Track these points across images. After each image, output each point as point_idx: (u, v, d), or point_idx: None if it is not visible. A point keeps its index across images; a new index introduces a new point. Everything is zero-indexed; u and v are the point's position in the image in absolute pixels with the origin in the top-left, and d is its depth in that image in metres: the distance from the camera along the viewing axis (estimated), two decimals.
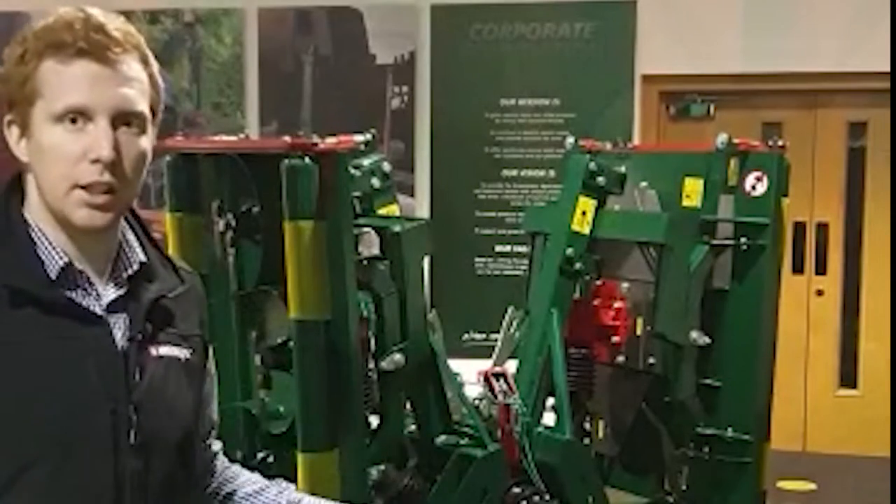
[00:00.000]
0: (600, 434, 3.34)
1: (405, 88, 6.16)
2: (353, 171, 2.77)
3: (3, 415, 1.36)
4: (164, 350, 1.52)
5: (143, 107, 1.45)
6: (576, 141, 3.40)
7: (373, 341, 2.66)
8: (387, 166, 2.97)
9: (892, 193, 5.80)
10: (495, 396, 2.90)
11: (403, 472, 2.84)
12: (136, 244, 1.55)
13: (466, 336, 5.89)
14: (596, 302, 3.21)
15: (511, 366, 3.11)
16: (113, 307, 1.48)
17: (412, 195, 6.09)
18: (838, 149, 6.12)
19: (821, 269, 6.18)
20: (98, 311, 1.46)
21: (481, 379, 2.95)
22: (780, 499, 5.06)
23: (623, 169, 3.28)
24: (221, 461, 1.78)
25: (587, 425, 3.37)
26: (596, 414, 3.34)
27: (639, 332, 3.17)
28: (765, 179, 3.14)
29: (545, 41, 6.02)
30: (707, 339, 3.16)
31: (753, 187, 3.16)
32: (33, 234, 1.44)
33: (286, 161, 2.34)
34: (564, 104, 6.02)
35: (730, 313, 3.19)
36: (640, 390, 3.19)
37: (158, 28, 6.31)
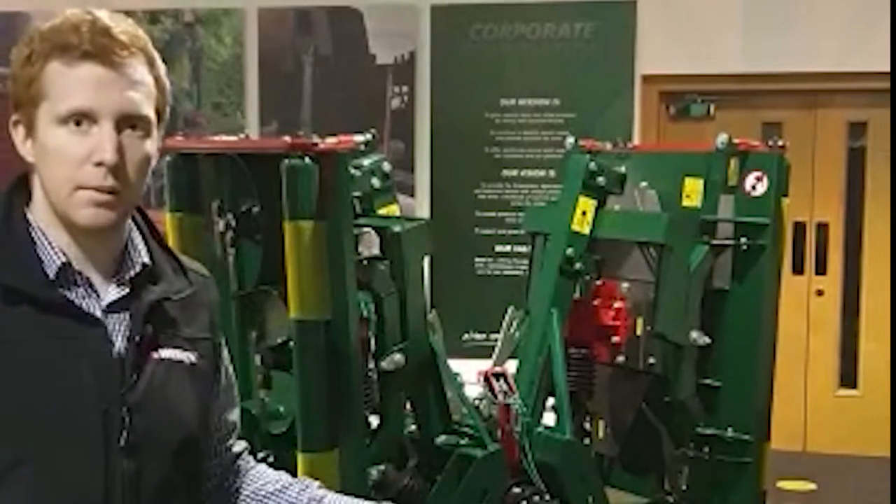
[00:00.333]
0: (600, 434, 3.34)
1: (405, 88, 6.16)
2: (353, 171, 2.77)
3: None
4: (167, 353, 1.51)
5: (149, 110, 1.45)
6: (576, 141, 3.40)
7: (373, 341, 2.66)
8: (387, 166, 2.97)
9: (892, 193, 5.80)
10: (495, 396, 2.90)
11: (403, 472, 2.84)
12: (141, 245, 1.54)
13: (466, 336, 5.89)
14: (596, 302, 3.21)
15: (511, 366, 3.11)
16: (114, 308, 1.48)
17: (412, 195, 6.09)
18: (838, 149, 6.12)
19: (821, 269, 6.18)
20: (97, 312, 1.46)
21: (481, 379, 2.95)
22: (780, 499, 5.06)
23: (623, 169, 3.28)
24: (246, 460, 1.77)
25: (587, 425, 3.37)
26: (596, 414, 3.34)
27: (639, 332, 3.17)
28: (765, 179, 3.14)
29: (545, 41, 6.02)
30: (707, 339, 3.16)
31: (753, 187, 3.16)
32: (34, 234, 1.44)
33: (286, 161, 2.34)
34: (564, 104, 6.02)
35: (730, 313, 3.19)
36: (640, 390, 3.19)
37: (158, 28, 6.31)
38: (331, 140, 2.59)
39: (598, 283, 3.25)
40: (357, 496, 2.46)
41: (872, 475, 5.44)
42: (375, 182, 2.93)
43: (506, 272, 6.06)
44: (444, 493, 2.77)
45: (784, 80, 5.85)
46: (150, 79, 1.46)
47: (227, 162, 2.65)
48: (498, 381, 2.93)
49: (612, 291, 3.21)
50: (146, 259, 1.53)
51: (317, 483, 1.77)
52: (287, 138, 2.41)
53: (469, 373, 2.97)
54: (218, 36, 6.36)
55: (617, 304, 3.19)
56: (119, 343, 1.46)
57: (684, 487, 3.28)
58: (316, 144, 2.40)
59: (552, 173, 5.85)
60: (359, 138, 2.94)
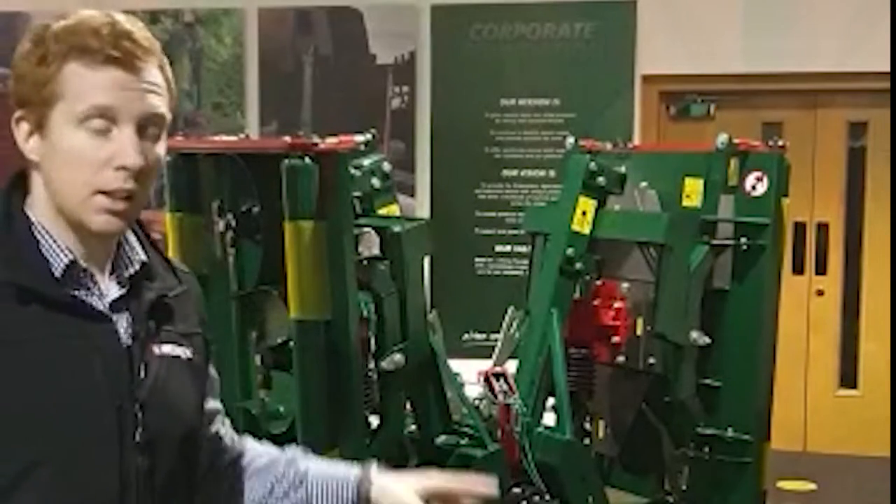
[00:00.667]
0: (600, 434, 3.34)
1: (405, 88, 6.16)
2: (353, 171, 2.77)
3: (11, 413, 1.36)
4: (167, 349, 1.52)
5: (166, 112, 1.46)
6: (576, 141, 3.41)
7: (373, 341, 2.66)
8: (387, 166, 2.97)
9: (892, 193, 5.79)
10: (495, 396, 2.91)
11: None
12: (136, 243, 1.54)
13: (466, 336, 5.89)
14: (596, 302, 3.21)
15: (511, 366, 3.11)
16: (115, 306, 1.48)
17: (412, 195, 6.08)
18: (838, 149, 6.12)
19: (821, 269, 6.18)
20: (102, 308, 1.46)
21: (481, 379, 2.95)
22: (780, 499, 5.06)
23: (623, 169, 3.28)
24: (231, 437, 1.77)
25: (587, 425, 3.37)
26: (596, 414, 3.34)
27: (639, 332, 3.17)
28: (765, 179, 3.14)
29: (545, 41, 6.02)
30: (707, 339, 3.16)
31: (753, 187, 3.16)
32: (36, 232, 1.44)
33: (286, 161, 2.34)
34: (564, 104, 6.02)
35: (730, 313, 3.19)
36: (640, 390, 3.20)
37: (158, 28, 6.30)
38: (331, 140, 2.59)
39: (598, 283, 3.25)
40: None
41: (872, 475, 5.43)
42: (375, 182, 2.93)
43: (506, 272, 6.06)
44: None
45: (784, 80, 5.85)
46: (164, 82, 1.47)
47: (227, 162, 2.65)
48: (498, 381, 2.94)
49: (612, 291, 3.21)
50: (144, 257, 1.54)
51: (300, 454, 1.76)
52: (287, 138, 2.41)
53: (469, 373, 2.98)
54: (218, 36, 6.36)
55: (617, 304, 3.19)
56: (125, 340, 1.46)
57: (684, 487, 3.28)
58: (316, 144, 2.40)
59: (552, 173, 5.85)
60: (359, 138, 2.94)
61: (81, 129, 1.40)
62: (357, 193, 2.82)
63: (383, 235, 2.68)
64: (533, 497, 2.86)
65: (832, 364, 6.24)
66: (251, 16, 6.30)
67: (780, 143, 3.22)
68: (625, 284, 3.19)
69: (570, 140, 3.42)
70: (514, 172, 6.10)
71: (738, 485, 3.22)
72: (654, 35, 5.87)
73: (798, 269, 6.11)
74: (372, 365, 2.66)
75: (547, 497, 2.88)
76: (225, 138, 2.76)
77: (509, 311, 3.21)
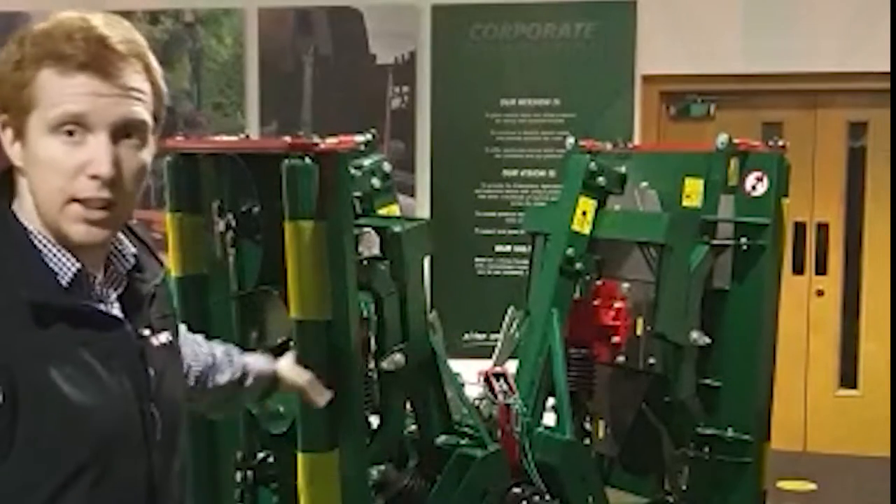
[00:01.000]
0: (600, 434, 3.34)
1: (405, 88, 6.16)
2: (353, 171, 2.77)
3: (52, 427, 1.36)
4: (161, 338, 1.54)
5: (146, 117, 1.42)
6: (576, 141, 3.41)
7: (373, 341, 2.66)
8: (387, 166, 2.97)
9: (892, 193, 5.80)
10: (495, 397, 2.90)
11: (404, 472, 2.84)
12: (123, 237, 1.53)
13: (467, 336, 5.89)
14: (596, 302, 3.21)
15: (511, 366, 3.11)
16: (116, 305, 1.48)
17: (412, 195, 6.08)
18: (838, 149, 6.12)
19: (821, 269, 6.18)
20: (115, 312, 1.46)
21: (481, 379, 2.95)
22: (780, 499, 5.06)
23: (623, 169, 3.28)
24: (207, 355, 1.96)
25: (587, 425, 3.37)
26: (596, 414, 3.34)
27: (639, 332, 3.16)
28: (765, 179, 3.14)
29: (545, 41, 6.02)
30: (707, 339, 3.16)
31: (754, 187, 3.16)
32: (37, 243, 1.42)
33: (286, 161, 2.34)
34: (565, 104, 6.02)
35: (730, 313, 3.19)
36: (640, 390, 3.20)
37: (158, 28, 6.31)
38: (331, 140, 2.59)
39: (599, 283, 3.25)
40: (358, 496, 2.49)
41: (872, 475, 5.44)
42: (376, 182, 2.93)
43: (506, 272, 6.06)
44: (444, 493, 2.77)
45: (784, 80, 5.85)
46: (147, 85, 1.43)
47: (227, 162, 2.65)
48: (498, 381, 2.93)
49: (612, 291, 3.21)
50: (134, 250, 1.53)
51: (235, 353, 2.04)
52: (287, 138, 2.41)
53: (469, 373, 2.97)
54: (218, 36, 6.36)
55: (617, 304, 3.19)
56: (135, 340, 1.47)
57: (684, 487, 3.28)
58: (316, 144, 2.40)
59: (552, 173, 5.85)
60: (359, 138, 2.94)
61: (55, 136, 1.37)
62: (357, 193, 2.82)
63: (383, 235, 2.67)
64: (533, 497, 2.86)
65: (832, 364, 6.24)
66: (251, 16, 6.30)
67: (780, 143, 3.22)
68: (625, 284, 3.19)
69: (571, 140, 3.42)
70: (515, 172, 6.10)
71: (738, 485, 3.22)
72: (654, 35, 5.87)
73: (798, 269, 6.11)
74: (372, 365, 2.66)
75: (547, 497, 2.88)
76: (225, 138, 2.76)
77: (509, 311, 3.21)
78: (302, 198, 2.34)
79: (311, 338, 2.40)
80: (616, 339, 3.17)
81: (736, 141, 3.15)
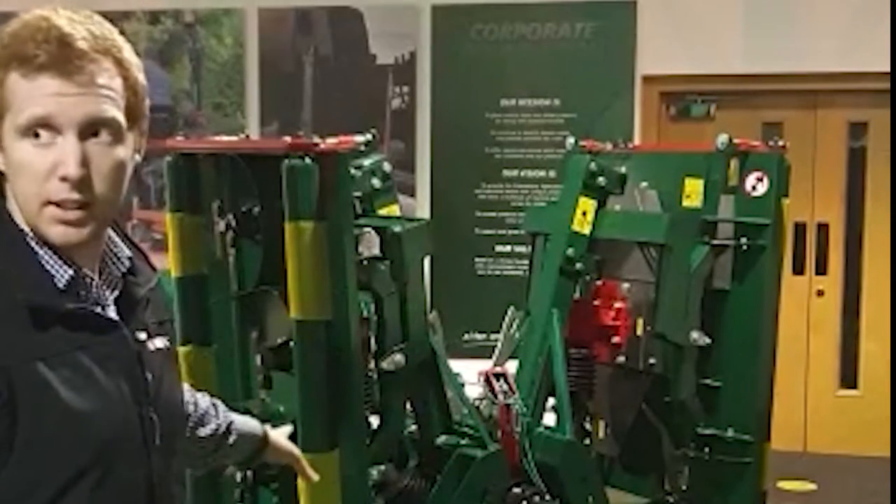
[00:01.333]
0: (601, 434, 3.34)
1: (405, 88, 6.16)
2: (353, 171, 2.77)
3: (52, 431, 1.35)
4: (157, 343, 1.53)
5: (115, 114, 1.39)
6: (576, 141, 3.41)
7: (373, 341, 2.66)
8: (387, 166, 2.97)
9: (892, 193, 5.80)
10: (496, 397, 2.90)
11: (404, 472, 2.84)
12: (118, 240, 1.53)
13: (467, 336, 5.89)
14: (596, 302, 3.21)
15: (511, 366, 3.11)
16: (112, 309, 1.48)
17: (412, 195, 6.09)
18: (839, 149, 6.12)
19: (821, 269, 6.18)
20: (111, 316, 1.45)
21: (482, 379, 2.95)
22: (780, 499, 5.06)
23: (623, 169, 3.28)
24: (188, 403, 1.86)
25: (587, 425, 3.37)
26: (596, 414, 3.34)
27: (639, 332, 3.16)
28: (765, 180, 3.14)
29: (545, 41, 6.02)
30: (707, 340, 3.16)
31: (754, 188, 3.16)
32: (33, 244, 1.41)
33: (287, 161, 2.34)
34: (565, 104, 6.02)
35: (730, 313, 3.19)
36: (640, 390, 3.19)
37: (159, 28, 6.31)
38: (331, 140, 2.59)
39: (599, 283, 3.25)
40: (358, 496, 2.49)
41: (872, 475, 5.44)
42: (376, 182, 2.93)
43: (506, 272, 6.06)
44: (444, 493, 2.77)
45: (784, 80, 5.85)
46: (118, 80, 1.40)
47: (227, 162, 2.65)
48: (498, 381, 2.93)
49: (612, 291, 3.21)
50: (129, 253, 1.53)
51: (222, 409, 1.95)
52: (287, 138, 2.41)
53: (469, 373, 2.97)
54: (218, 36, 6.36)
55: (617, 305, 3.19)
56: (132, 343, 1.47)
57: (684, 488, 3.28)
58: (316, 145, 2.40)
59: (552, 173, 5.85)
60: (359, 138, 2.94)
61: (26, 140, 1.36)
62: (357, 193, 2.82)
63: (383, 235, 2.67)
64: (533, 497, 2.86)
65: (832, 364, 6.24)
66: (251, 16, 6.30)
67: (781, 143, 3.22)
68: (625, 284, 3.19)
69: (571, 140, 3.42)
70: (515, 172, 6.10)
71: (738, 485, 3.22)
72: (654, 35, 5.87)
73: (798, 269, 6.11)
74: (372, 365, 2.66)
75: (547, 497, 2.87)
76: (225, 138, 2.76)
77: (509, 312, 3.21)
78: (302, 198, 2.34)
79: (311, 338, 2.40)
80: (616, 339, 3.17)
81: (736, 141, 3.15)
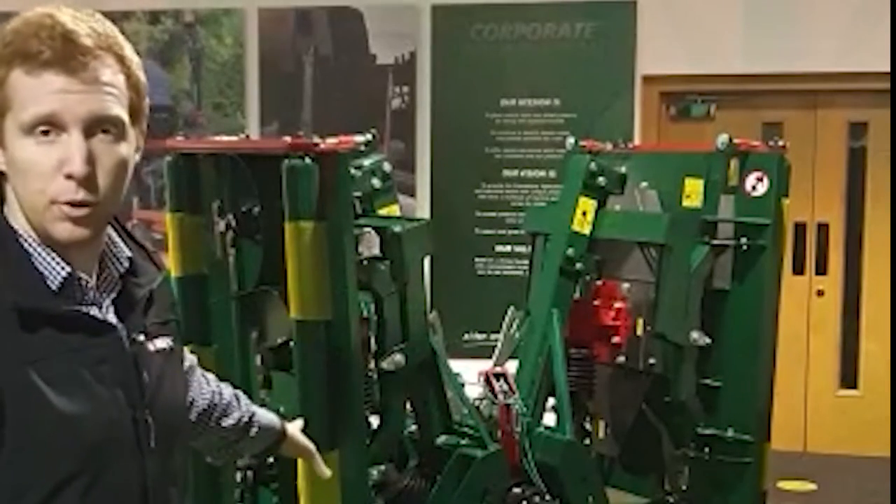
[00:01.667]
0: (601, 434, 3.34)
1: (406, 88, 6.16)
2: (353, 171, 2.77)
3: (40, 434, 1.34)
4: (159, 343, 1.52)
5: (119, 111, 1.39)
6: (576, 141, 3.41)
7: (373, 341, 2.66)
8: (387, 166, 2.97)
9: (892, 194, 5.80)
10: (496, 397, 2.90)
11: (404, 472, 2.84)
12: (118, 239, 1.52)
13: (467, 336, 5.89)
14: (596, 302, 3.21)
15: (511, 366, 3.11)
16: (110, 309, 1.47)
17: (412, 195, 6.08)
18: (839, 149, 6.12)
19: (821, 269, 6.18)
20: (106, 317, 1.44)
21: (482, 379, 2.95)
22: (780, 499, 5.06)
23: (623, 169, 3.28)
24: (214, 392, 1.89)
25: (587, 425, 3.37)
26: (596, 414, 3.34)
27: (639, 332, 3.16)
28: (765, 180, 3.14)
29: (546, 41, 6.02)
30: (707, 340, 3.16)
31: (754, 188, 3.16)
32: (27, 246, 1.40)
33: (287, 161, 2.34)
34: (565, 104, 6.02)
35: (730, 313, 3.19)
36: (640, 390, 3.19)
37: (159, 28, 6.31)
38: (331, 140, 2.59)
39: (599, 283, 3.25)
40: (358, 497, 2.49)
41: (872, 475, 5.44)
42: (376, 182, 2.93)
43: (506, 272, 6.06)
44: (444, 493, 2.77)
45: (784, 80, 5.85)
46: (120, 77, 1.40)
47: (227, 162, 2.65)
48: (498, 381, 2.93)
49: (612, 291, 3.21)
50: (129, 253, 1.51)
51: (244, 400, 1.96)
52: (287, 138, 2.41)
53: (469, 373, 2.97)
54: (218, 36, 6.36)
55: (617, 305, 3.19)
56: (127, 345, 1.45)
57: (684, 488, 3.28)
58: (316, 145, 2.40)
59: (552, 173, 5.85)
60: (359, 138, 2.94)
61: (30, 138, 1.35)
62: (357, 193, 2.82)
63: (383, 235, 2.67)
64: (533, 497, 2.86)
65: (832, 364, 6.24)
66: (251, 16, 6.30)
67: (781, 143, 3.21)
68: (625, 284, 3.19)
69: (571, 140, 3.42)
70: (515, 172, 6.10)
71: (739, 485, 3.22)
72: (654, 35, 5.87)
73: (798, 269, 6.11)
74: (372, 365, 2.66)
75: (547, 497, 2.88)
76: (225, 138, 2.76)
77: (509, 312, 3.21)
78: (302, 198, 2.34)
79: (311, 338, 2.40)
80: (616, 339, 3.17)
81: (736, 141, 3.15)
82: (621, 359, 3.19)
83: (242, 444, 1.97)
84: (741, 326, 3.18)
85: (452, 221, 6.01)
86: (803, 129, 6.00)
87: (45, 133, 1.35)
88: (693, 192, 3.13)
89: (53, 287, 1.40)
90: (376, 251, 2.67)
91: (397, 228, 2.69)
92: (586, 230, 3.16)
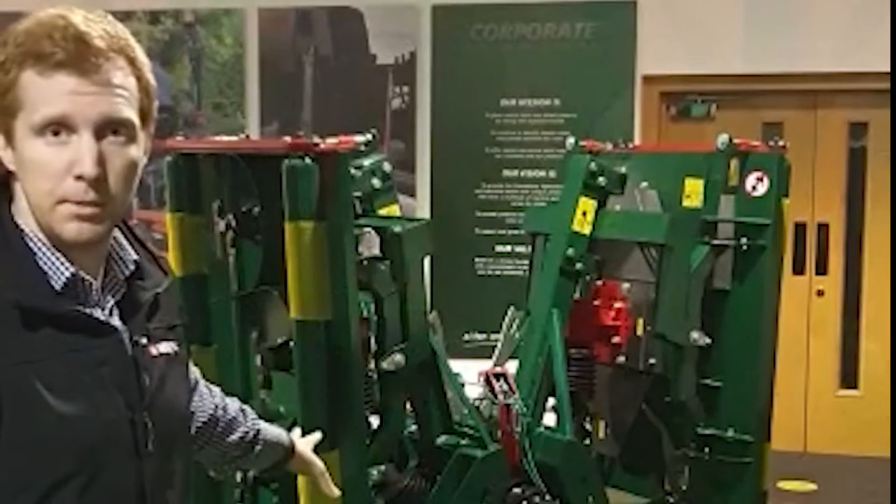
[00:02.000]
0: (601, 434, 3.35)
1: (406, 88, 6.16)
2: (353, 171, 2.77)
3: (36, 434, 1.34)
4: (161, 347, 1.51)
5: (130, 113, 1.39)
6: (576, 141, 3.41)
7: (373, 341, 2.66)
8: (387, 166, 2.98)
9: (892, 194, 5.79)
10: (496, 397, 2.90)
11: (404, 472, 2.84)
12: (124, 242, 1.51)
13: (467, 336, 5.89)
14: (596, 302, 3.21)
15: (511, 366, 3.11)
16: (114, 311, 1.46)
17: (412, 195, 6.08)
18: (839, 149, 6.12)
19: (821, 269, 6.18)
20: (109, 319, 1.44)
21: (482, 379, 2.95)
22: (780, 499, 5.06)
23: (623, 169, 3.29)
24: (217, 407, 1.87)
25: (588, 426, 3.37)
26: (596, 414, 3.34)
27: (639, 332, 3.17)
28: (765, 180, 3.14)
29: (546, 41, 6.01)
30: (707, 340, 3.16)
31: (754, 188, 3.16)
32: (32, 245, 1.40)
33: (287, 161, 2.34)
34: (565, 104, 6.02)
35: (730, 314, 3.19)
36: (640, 390, 3.20)
37: (159, 28, 6.31)
38: (331, 140, 2.59)
39: (599, 283, 3.25)
40: (358, 497, 2.49)
41: (872, 475, 5.44)
42: (376, 182, 2.93)
43: (506, 272, 6.06)
44: (444, 493, 2.77)
45: (784, 80, 5.85)
46: (132, 80, 1.40)
47: (227, 162, 2.65)
48: (498, 381, 2.93)
49: (612, 292, 3.21)
50: (135, 255, 1.51)
51: (251, 416, 1.93)
52: (287, 139, 2.41)
53: (469, 373, 2.98)
54: (218, 36, 6.36)
55: (617, 305, 3.19)
56: (129, 348, 1.45)
57: (684, 488, 3.28)
58: (316, 145, 2.40)
59: (552, 173, 5.85)
60: (359, 138, 2.94)
61: (40, 138, 1.35)
62: (357, 193, 2.82)
63: (383, 235, 2.68)
64: (533, 497, 2.86)
65: (832, 364, 6.24)
66: (251, 16, 6.30)
67: (781, 143, 3.22)
68: (625, 285, 3.20)
69: (571, 140, 3.42)
70: (515, 173, 6.10)
71: (739, 485, 3.22)
72: (654, 35, 5.87)
73: (798, 269, 6.11)
74: (372, 365, 2.66)
75: (547, 497, 2.88)
76: (225, 138, 2.76)
77: (509, 312, 3.21)
78: (302, 198, 2.34)
79: (311, 338, 2.40)
80: (616, 339, 3.18)
81: (736, 141, 3.15)
82: (621, 359, 3.19)
83: (246, 460, 1.95)
84: (741, 326, 3.18)
85: (452, 221, 6.01)
86: (803, 129, 6.00)
87: (56, 134, 1.35)
88: (693, 192, 3.13)
89: (57, 287, 1.39)
90: (376, 251, 2.67)
91: (397, 228, 2.69)
92: (586, 230, 3.16)
